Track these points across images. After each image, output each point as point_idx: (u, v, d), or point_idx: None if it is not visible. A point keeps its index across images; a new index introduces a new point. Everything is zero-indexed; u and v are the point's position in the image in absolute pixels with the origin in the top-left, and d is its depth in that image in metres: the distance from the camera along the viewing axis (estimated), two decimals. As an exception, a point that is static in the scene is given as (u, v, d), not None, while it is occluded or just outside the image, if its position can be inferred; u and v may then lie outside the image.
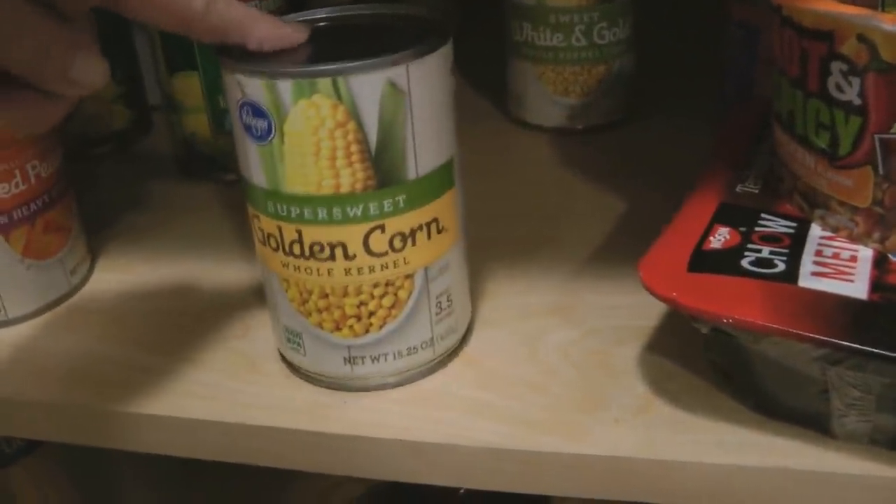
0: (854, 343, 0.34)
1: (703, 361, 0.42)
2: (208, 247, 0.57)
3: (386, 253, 0.40)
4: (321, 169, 0.38)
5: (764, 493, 0.38)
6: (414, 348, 0.42)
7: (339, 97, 0.37)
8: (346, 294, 0.41)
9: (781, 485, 0.38)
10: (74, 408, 0.45)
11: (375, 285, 0.40)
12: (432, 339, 0.43)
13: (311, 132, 0.38)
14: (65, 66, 0.33)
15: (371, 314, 0.41)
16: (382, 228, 0.39)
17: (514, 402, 0.42)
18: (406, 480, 0.41)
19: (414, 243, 0.40)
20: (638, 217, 0.56)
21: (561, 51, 0.65)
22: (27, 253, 0.50)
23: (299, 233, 0.40)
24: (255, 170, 0.40)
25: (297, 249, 0.40)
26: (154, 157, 0.72)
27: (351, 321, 0.41)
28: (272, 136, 0.38)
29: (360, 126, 0.37)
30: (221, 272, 0.54)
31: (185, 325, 0.49)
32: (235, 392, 0.44)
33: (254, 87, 0.37)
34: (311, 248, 0.40)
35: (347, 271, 0.40)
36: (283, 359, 0.45)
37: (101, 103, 0.71)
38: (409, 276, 0.41)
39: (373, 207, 0.39)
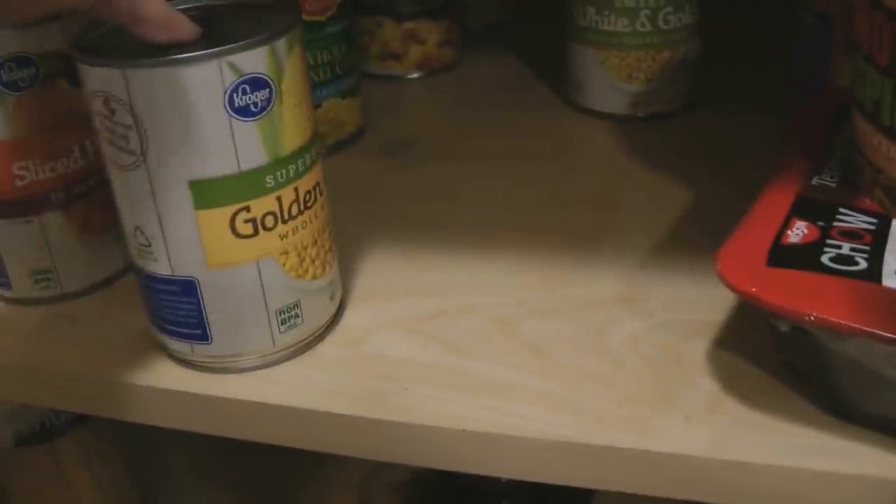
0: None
1: (776, 360, 0.41)
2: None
3: None
4: (308, 112, 0.41)
5: (840, 501, 0.37)
6: None
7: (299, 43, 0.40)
8: (327, 231, 0.44)
9: (860, 493, 0.36)
10: (124, 384, 0.44)
11: None
12: None
13: (302, 78, 0.40)
14: None
15: None
16: None
17: (581, 395, 0.40)
18: (470, 471, 0.40)
19: None
20: (702, 207, 0.55)
21: (625, 36, 0.64)
22: (84, 229, 0.49)
23: (296, 190, 0.41)
24: (250, 154, 0.39)
25: (294, 209, 0.41)
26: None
27: None
28: (272, 102, 0.38)
29: None
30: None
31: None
32: (290, 374, 0.43)
33: (255, 59, 0.38)
34: (304, 198, 0.41)
35: (323, 206, 0.43)
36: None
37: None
38: None
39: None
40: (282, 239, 0.41)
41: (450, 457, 0.40)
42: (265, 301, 0.42)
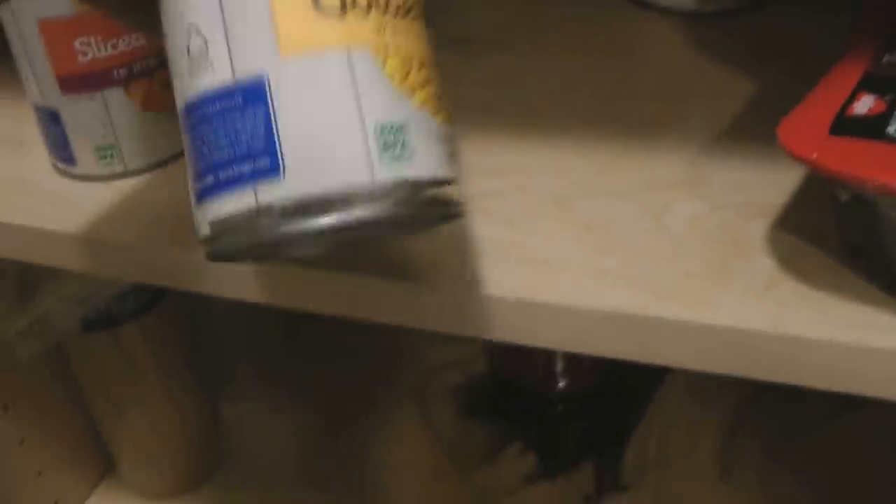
0: None
1: (836, 240, 0.40)
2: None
3: None
4: None
5: (894, 377, 0.36)
6: None
7: None
8: (432, 63, 0.33)
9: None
10: (187, 259, 0.45)
11: None
12: None
13: None
14: None
15: None
16: None
17: (637, 269, 0.40)
18: (522, 342, 0.40)
19: None
20: (768, 101, 0.53)
21: (694, -73, 0.62)
22: (146, 106, 0.50)
23: None
24: None
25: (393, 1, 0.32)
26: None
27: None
28: None
29: None
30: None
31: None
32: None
33: None
34: None
35: (424, 29, 0.33)
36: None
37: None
38: None
39: None
40: (378, 32, 0.31)
41: (503, 327, 0.40)
42: (359, 107, 0.31)
